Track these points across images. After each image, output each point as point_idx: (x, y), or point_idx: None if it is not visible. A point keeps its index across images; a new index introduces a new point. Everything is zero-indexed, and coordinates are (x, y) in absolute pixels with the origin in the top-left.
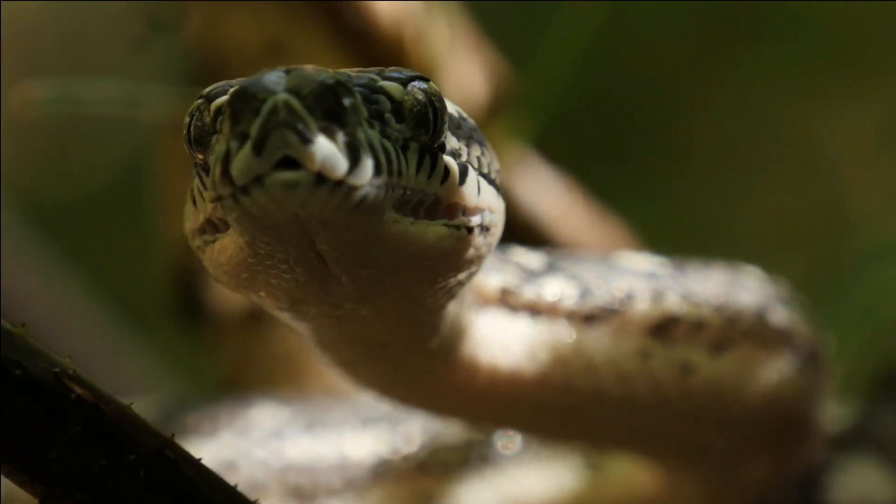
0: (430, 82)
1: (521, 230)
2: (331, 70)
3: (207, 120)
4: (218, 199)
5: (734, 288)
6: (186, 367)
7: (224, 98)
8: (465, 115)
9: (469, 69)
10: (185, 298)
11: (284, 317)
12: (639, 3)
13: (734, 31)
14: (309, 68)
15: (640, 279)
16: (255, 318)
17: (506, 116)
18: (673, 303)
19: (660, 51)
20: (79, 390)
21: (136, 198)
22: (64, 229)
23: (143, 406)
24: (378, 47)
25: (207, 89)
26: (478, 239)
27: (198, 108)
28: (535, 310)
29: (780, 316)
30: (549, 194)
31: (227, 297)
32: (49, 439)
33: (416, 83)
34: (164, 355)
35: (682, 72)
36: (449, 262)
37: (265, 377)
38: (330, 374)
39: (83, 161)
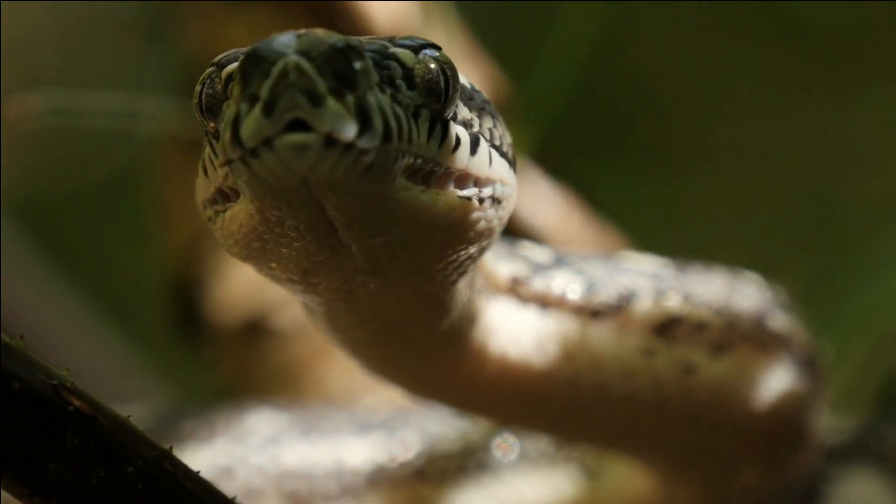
0: (442, 50)
1: (518, 240)
2: (342, 35)
3: (218, 87)
4: (228, 163)
5: (734, 291)
6: (184, 379)
7: (235, 65)
8: (476, 87)
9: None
10: (184, 310)
11: (296, 290)
12: (636, 2)
13: (736, 32)
14: (320, 31)
15: (644, 278)
16: (254, 330)
17: None
18: (676, 302)
19: (660, 51)
20: (77, 402)
21: (135, 209)
22: (62, 240)
23: (140, 413)
24: None
25: (219, 57)
26: (489, 211)
27: (209, 75)
28: (544, 302)
29: (779, 321)
30: (546, 205)
31: (225, 309)
32: (47, 451)
33: (427, 51)
34: (162, 367)
35: (682, 74)
36: (459, 232)
37: (263, 389)
38: (327, 387)
39: (81, 172)
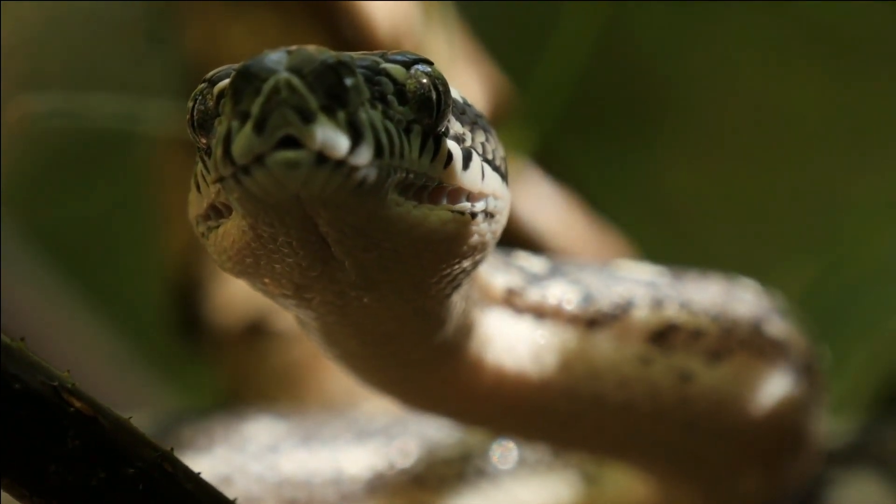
0: (434, 66)
1: (520, 243)
2: (333, 51)
3: (210, 103)
4: (220, 179)
5: (731, 298)
6: (185, 381)
7: (227, 81)
8: (469, 101)
9: (468, 82)
10: (184, 312)
11: (289, 305)
12: (637, 1)
13: (739, 27)
14: (311, 48)
15: (640, 286)
16: (254, 333)
17: (505, 129)
18: (672, 311)
19: (661, 48)
20: (77, 404)
21: (136, 211)
22: (63, 243)
23: (139, 421)
24: None
25: (211, 73)
26: (482, 225)
27: (201, 91)
28: (540, 312)
29: (776, 327)
30: (547, 207)
31: (226, 311)
32: (48, 453)
33: (419, 66)
34: (163, 369)
35: (684, 70)
36: (452, 247)
37: (264, 391)
38: (328, 389)
39: (82, 175)
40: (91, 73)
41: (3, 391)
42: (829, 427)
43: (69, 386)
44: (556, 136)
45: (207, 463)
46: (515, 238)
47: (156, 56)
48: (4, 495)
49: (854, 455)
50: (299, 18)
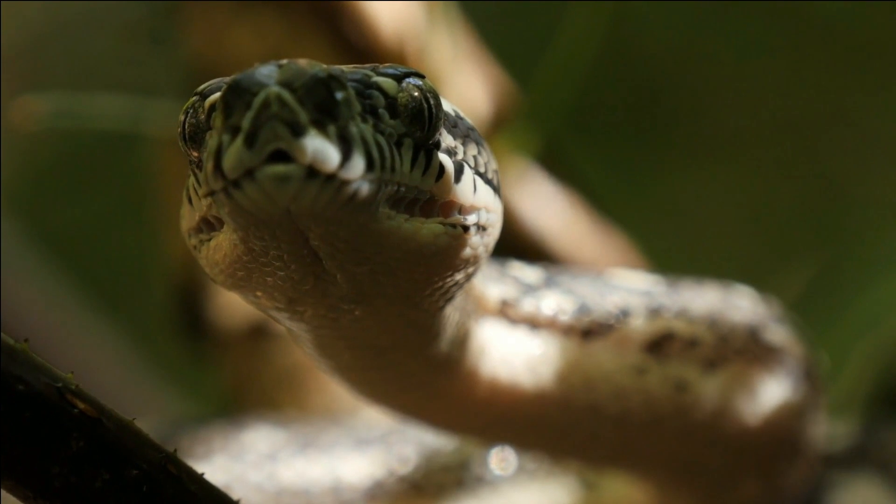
0: (426, 79)
1: (523, 244)
2: (324, 64)
3: (202, 117)
4: (211, 193)
5: (727, 306)
6: (189, 384)
7: (218, 95)
8: (461, 114)
9: (472, 83)
10: (188, 314)
11: (282, 318)
12: (642, 1)
13: (746, 27)
14: (302, 62)
15: (635, 296)
16: (257, 335)
17: (508, 130)
18: (668, 319)
19: (667, 48)
20: (81, 405)
21: (139, 213)
22: (66, 244)
23: None
24: (381, 62)
25: (202, 86)
26: (474, 238)
27: (192, 105)
28: (534, 323)
29: (773, 334)
30: (551, 208)
31: (229, 313)
32: (51, 454)
33: (411, 79)
34: (166, 371)
35: (689, 70)
36: (444, 260)
37: (267, 393)
38: (331, 390)
39: (85, 176)
40: (94, 74)
41: (6, 393)
42: (829, 430)
43: (73, 387)
44: (560, 137)
45: (206, 471)
46: (518, 239)
47: (159, 57)
48: (7, 496)
49: (855, 458)
50: (303, 19)
